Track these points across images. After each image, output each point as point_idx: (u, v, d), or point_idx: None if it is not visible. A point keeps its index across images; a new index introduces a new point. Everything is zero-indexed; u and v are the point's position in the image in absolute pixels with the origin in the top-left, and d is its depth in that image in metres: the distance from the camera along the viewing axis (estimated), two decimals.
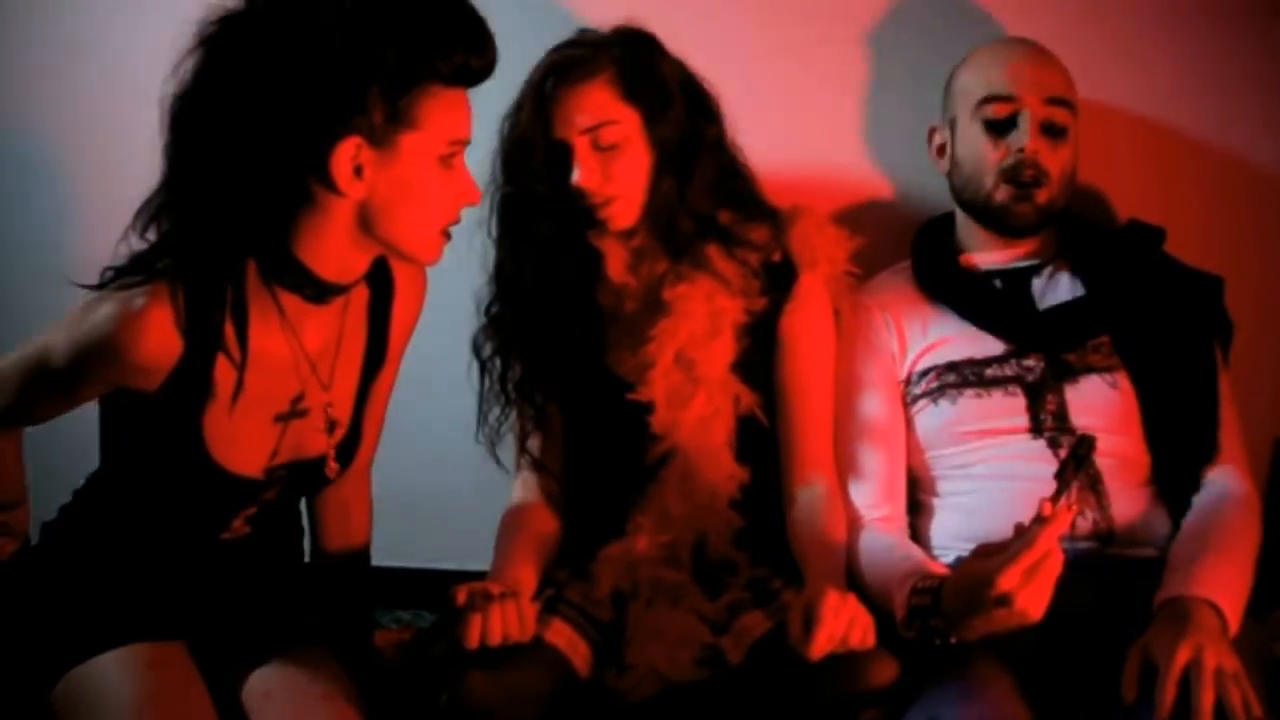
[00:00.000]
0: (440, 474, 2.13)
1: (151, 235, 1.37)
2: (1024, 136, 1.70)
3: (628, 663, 1.61)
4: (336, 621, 1.68)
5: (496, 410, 1.76)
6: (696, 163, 1.67)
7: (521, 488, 1.78)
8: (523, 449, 1.78)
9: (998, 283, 1.77)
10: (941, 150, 1.82)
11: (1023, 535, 1.39)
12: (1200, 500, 1.64)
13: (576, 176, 1.62)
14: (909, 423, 1.75)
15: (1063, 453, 1.64)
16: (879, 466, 1.73)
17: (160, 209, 1.36)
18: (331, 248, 1.39)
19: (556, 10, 1.98)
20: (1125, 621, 1.48)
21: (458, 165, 1.40)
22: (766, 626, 1.57)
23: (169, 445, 1.42)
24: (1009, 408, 1.68)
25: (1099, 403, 1.67)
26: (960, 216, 1.82)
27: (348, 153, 1.32)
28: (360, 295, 1.52)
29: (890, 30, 1.97)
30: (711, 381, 1.68)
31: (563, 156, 1.63)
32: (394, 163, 1.35)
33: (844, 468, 1.73)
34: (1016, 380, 1.69)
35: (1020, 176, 1.70)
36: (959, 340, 1.73)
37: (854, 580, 1.61)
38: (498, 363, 1.76)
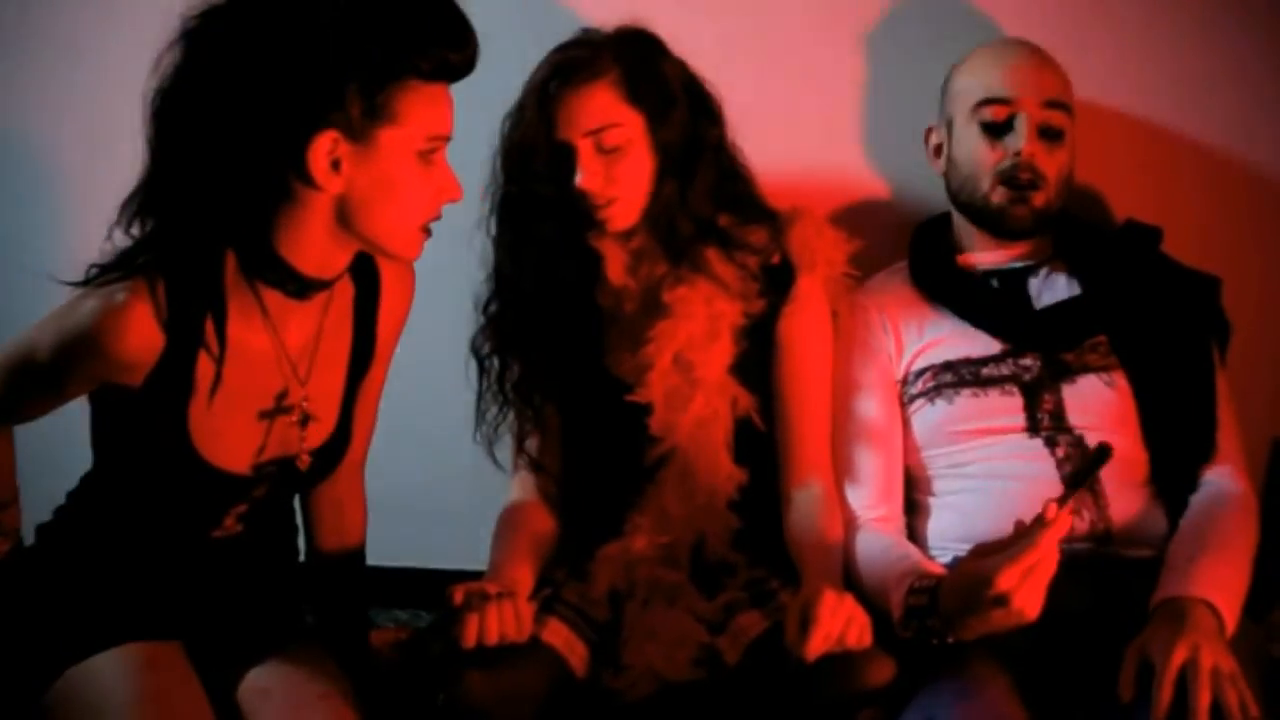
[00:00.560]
0: (437, 474, 2.13)
1: (136, 231, 1.37)
2: (1021, 139, 1.70)
3: (624, 663, 1.61)
4: (332, 621, 1.68)
5: (494, 410, 1.76)
6: (698, 166, 1.67)
7: (518, 487, 1.78)
8: (520, 449, 1.78)
9: (994, 282, 1.77)
10: (938, 151, 1.82)
11: (1023, 535, 1.39)
12: (1197, 500, 1.63)
13: (579, 179, 1.62)
14: (905, 422, 1.75)
15: (1060, 451, 1.64)
16: (876, 467, 1.73)
17: (142, 204, 1.36)
18: (311, 243, 1.39)
19: (555, 9, 1.98)
20: (1122, 621, 1.48)
21: (438, 161, 1.40)
22: (763, 626, 1.57)
23: (155, 441, 1.42)
24: (1005, 407, 1.68)
25: (1096, 402, 1.67)
26: (957, 217, 1.82)
27: (324, 147, 1.32)
28: (345, 292, 1.52)
29: (888, 30, 1.97)
30: (710, 383, 1.68)
31: (565, 158, 1.63)
32: (372, 158, 1.35)
33: (841, 468, 1.73)
34: (1013, 379, 1.69)
35: (1017, 179, 1.71)
36: (955, 340, 1.73)
37: (851, 580, 1.62)
38: (496, 362, 1.76)
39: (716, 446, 1.69)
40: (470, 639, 1.45)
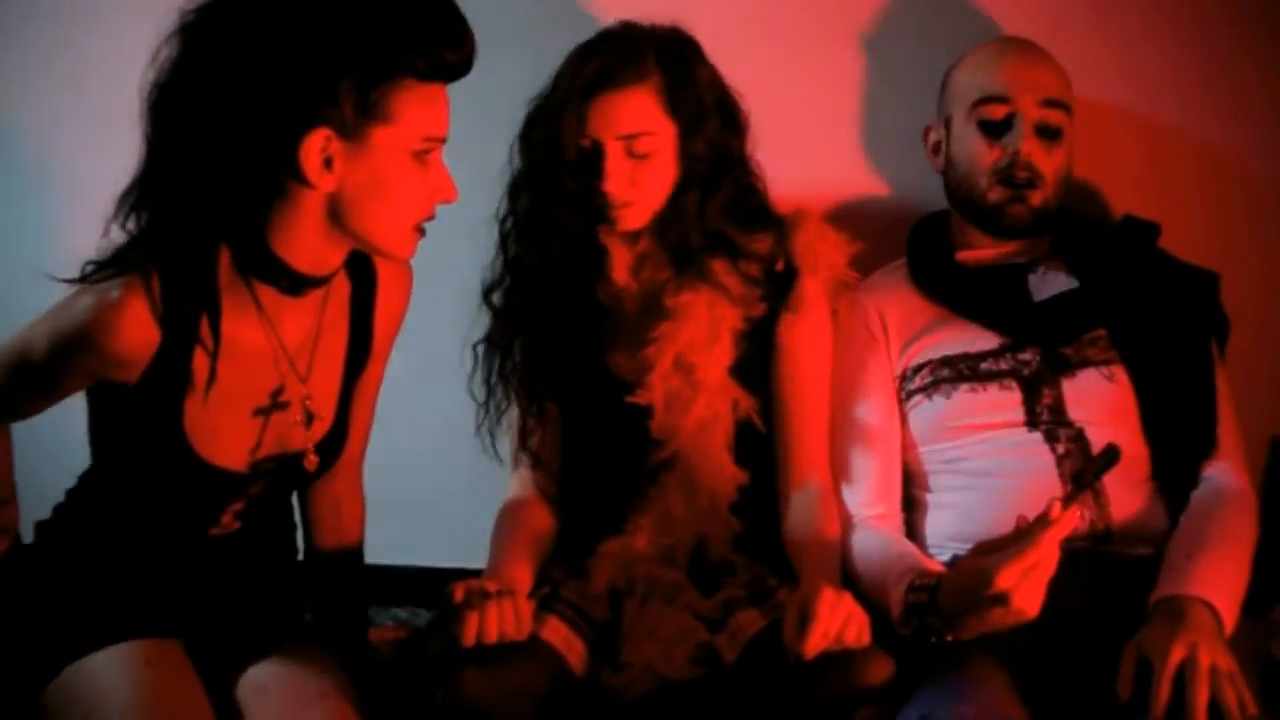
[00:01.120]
0: (436, 472, 2.13)
1: (133, 226, 1.37)
2: (1018, 138, 1.70)
3: (623, 661, 1.61)
4: (331, 619, 1.68)
5: (497, 398, 1.75)
6: (722, 180, 1.68)
7: (517, 485, 1.78)
8: (520, 446, 1.77)
9: (993, 278, 1.77)
10: (937, 149, 1.82)
11: (1025, 533, 1.39)
12: (1197, 497, 1.63)
13: (605, 181, 1.61)
14: (904, 419, 1.75)
15: (1060, 447, 1.64)
16: (874, 465, 1.73)
17: (137, 199, 1.37)
18: (304, 240, 1.39)
19: (557, 7, 1.98)
20: (1121, 620, 1.48)
21: (433, 161, 1.39)
22: (761, 624, 1.57)
23: (151, 438, 1.42)
24: (1004, 401, 1.68)
25: (1096, 396, 1.66)
26: (955, 215, 1.82)
27: (317, 144, 1.32)
28: (341, 289, 1.52)
29: (887, 29, 1.97)
30: (711, 386, 1.68)
31: (593, 156, 1.62)
32: (365, 156, 1.34)
33: (839, 466, 1.73)
34: (1012, 374, 1.69)
35: (1014, 178, 1.71)
36: (954, 335, 1.73)
37: (849, 579, 1.62)
38: (499, 351, 1.75)
39: (718, 449, 1.69)
40: (470, 637, 1.45)
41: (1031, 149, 1.70)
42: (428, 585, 1.74)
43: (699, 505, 1.69)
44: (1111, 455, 1.45)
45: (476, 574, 1.58)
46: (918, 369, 1.74)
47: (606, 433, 1.74)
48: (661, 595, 1.66)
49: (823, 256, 1.72)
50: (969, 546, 1.49)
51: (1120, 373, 1.68)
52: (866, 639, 1.43)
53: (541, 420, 1.76)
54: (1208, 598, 1.46)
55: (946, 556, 1.66)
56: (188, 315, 1.37)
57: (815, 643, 1.39)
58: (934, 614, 1.46)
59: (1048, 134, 1.72)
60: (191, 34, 1.32)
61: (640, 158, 1.62)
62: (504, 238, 1.74)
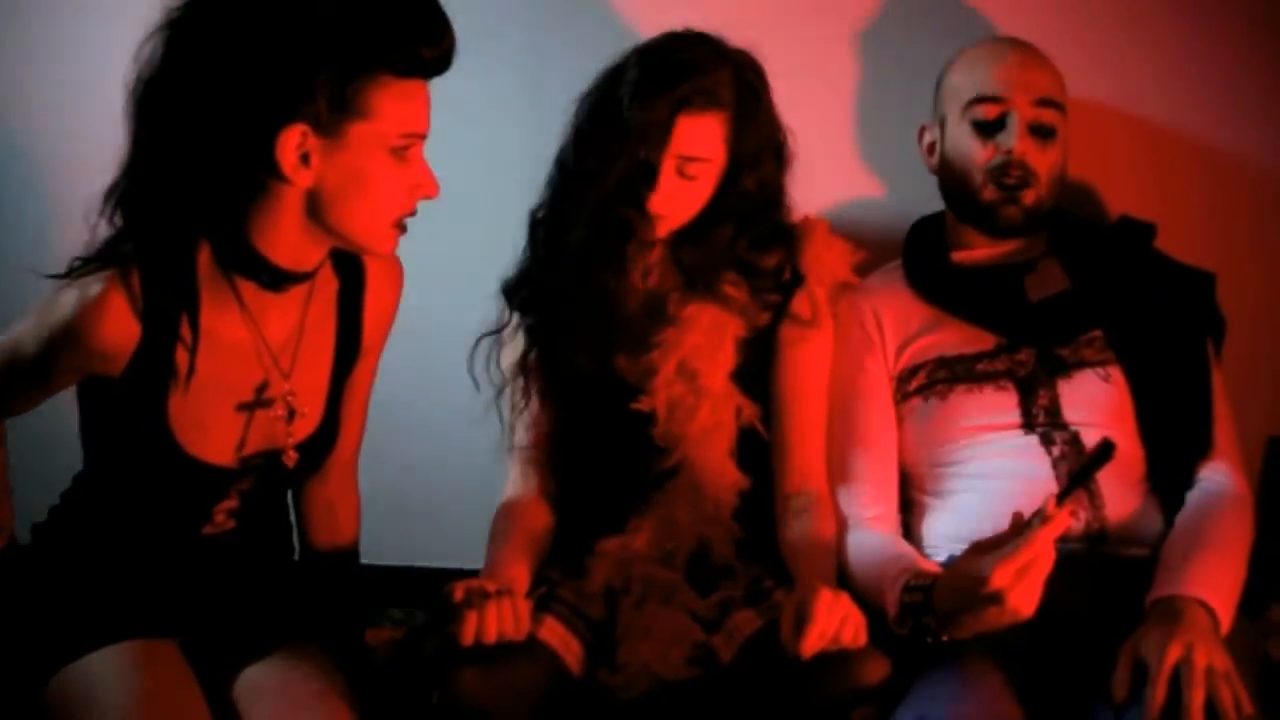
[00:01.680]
0: (433, 471, 2.13)
1: (119, 221, 1.38)
2: (1012, 138, 1.70)
3: (620, 661, 1.61)
4: (328, 619, 1.68)
5: (505, 392, 1.75)
6: (759, 217, 1.68)
7: (515, 484, 1.77)
8: (519, 443, 1.77)
9: (988, 279, 1.77)
10: (931, 149, 1.82)
11: (1021, 531, 1.39)
12: (1193, 498, 1.63)
13: (654, 200, 1.62)
14: (900, 420, 1.75)
15: (1055, 449, 1.64)
16: (870, 466, 1.73)
17: (121, 194, 1.37)
18: (284, 235, 1.39)
19: (549, 6, 1.98)
20: (1117, 620, 1.48)
21: (413, 157, 1.39)
22: (758, 625, 1.58)
23: (137, 433, 1.42)
24: (1000, 403, 1.68)
25: (1092, 397, 1.66)
26: (950, 216, 1.82)
27: (293, 140, 1.32)
28: (329, 286, 1.52)
29: (882, 28, 1.97)
30: (714, 393, 1.68)
31: (645, 168, 1.62)
32: (342, 152, 1.34)
33: (835, 468, 1.73)
34: (1008, 375, 1.69)
35: (1007, 177, 1.71)
36: (950, 337, 1.73)
37: (845, 579, 1.62)
38: (509, 346, 1.75)
39: (722, 456, 1.69)
40: (468, 637, 1.45)
41: (1025, 148, 1.70)
42: (424, 585, 1.74)
43: (702, 512, 1.69)
44: (1106, 450, 1.45)
45: (473, 575, 1.58)
46: (914, 370, 1.74)
47: (609, 437, 1.73)
48: (658, 595, 1.66)
49: (828, 266, 1.73)
50: (965, 545, 1.49)
51: (1116, 373, 1.68)
52: (863, 639, 1.42)
53: (542, 418, 1.76)
54: (1204, 598, 1.46)
55: (943, 556, 1.66)
56: (167, 309, 1.38)
57: (812, 643, 1.39)
58: (930, 614, 1.46)
59: (1042, 133, 1.72)
60: (173, 29, 1.33)
61: (688, 179, 1.63)
62: (534, 229, 1.73)
